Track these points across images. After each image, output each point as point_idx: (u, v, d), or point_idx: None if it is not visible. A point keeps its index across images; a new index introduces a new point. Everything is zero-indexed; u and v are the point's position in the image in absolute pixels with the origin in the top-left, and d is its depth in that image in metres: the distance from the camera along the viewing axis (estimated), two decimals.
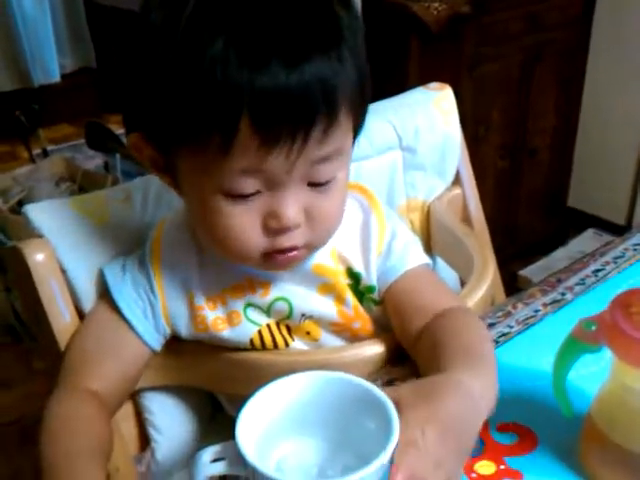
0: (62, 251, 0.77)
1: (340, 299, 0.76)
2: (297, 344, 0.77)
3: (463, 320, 0.70)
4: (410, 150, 0.97)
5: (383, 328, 0.78)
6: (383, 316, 0.78)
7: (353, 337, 0.78)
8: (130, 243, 0.81)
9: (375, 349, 0.74)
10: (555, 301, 0.81)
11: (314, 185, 0.64)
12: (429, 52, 1.86)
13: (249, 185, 0.62)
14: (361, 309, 0.78)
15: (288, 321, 0.76)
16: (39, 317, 0.78)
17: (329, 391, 0.58)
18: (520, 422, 0.64)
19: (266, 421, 0.57)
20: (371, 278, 0.76)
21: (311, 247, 0.69)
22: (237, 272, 0.74)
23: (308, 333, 0.77)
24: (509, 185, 2.29)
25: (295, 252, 0.67)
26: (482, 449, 0.61)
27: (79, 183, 2.29)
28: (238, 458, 0.50)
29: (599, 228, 2.47)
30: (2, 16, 3.49)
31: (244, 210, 0.64)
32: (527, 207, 2.39)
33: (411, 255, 0.77)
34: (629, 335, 0.52)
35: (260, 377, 0.71)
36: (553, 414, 0.62)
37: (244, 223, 0.64)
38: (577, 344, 0.57)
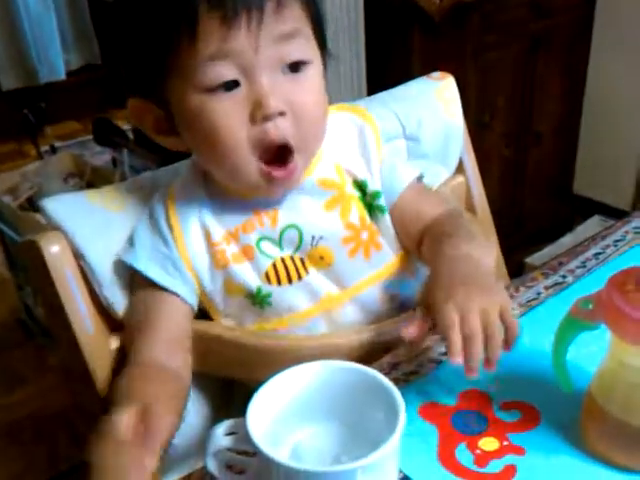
0: (81, 238, 0.79)
1: (345, 211, 0.80)
2: (312, 276, 0.80)
3: (457, 217, 0.82)
4: (414, 139, 0.99)
5: (390, 240, 0.83)
6: (390, 227, 0.83)
7: (367, 256, 0.81)
8: None
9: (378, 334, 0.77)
10: (557, 284, 0.83)
11: (290, 70, 0.71)
12: (432, 41, 1.88)
13: (225, 71, 0.68)
14: (368, 220, 0.82)
15: (301, 250, 0.79)
16: (55, 309, 0.80)
17: (340, 380, 0.60)
18: (523, 400, 0.66)
19: (279, 406, 0.59)
20: (375, 183, 0.82)
21: (304, 152, 0.74)
22: (245, 208, 0.79)
23: (322, 258, 0.80)
24: (515, 172, 2.30)
25: (290, 162, 0.72)
26: (486, 426, 0.63)
27: (87, 179, 2.32)
28: (247, 435, 0.53)
29: (605, 214, 2.47)
30: (7, 15, 3.51)
31: (229, 104, 0.69)
32: (533, 194, 2.40)
33: (408, 170, 0.86)
34: (624, 312, 0.53)
35: (268, 362, 0.73)
36: (555, 392, 0.64)
37: (231, 115, 0.69)
38: (575, 322, 0.59)
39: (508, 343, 0.61)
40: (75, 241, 0.78)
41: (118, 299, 0.81)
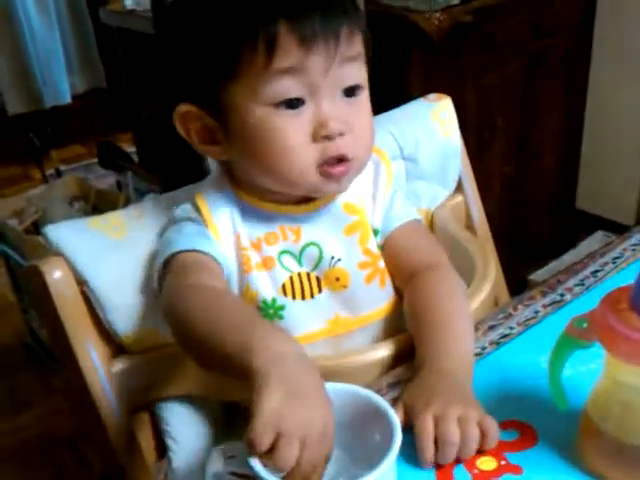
0: (82, 264, 0.81)
1: (364, 238, 0.84)
2: (324, 295, 0.82)
3: (442, 285, 0.81)
4: (412, 160, 1.00)
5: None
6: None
7: (382, 283, 0.84)
8: (146, 257, 0.84)
9: (380, 353, 0.77)
10: (554, 302, 0.83)
11: (346, 94, 0.75)
12: (431, 62, 1.89)
13: (293, 88, 0.72)
14: (380, 251, 0.85)
15: (319, 269, 0.82)
16: (58, 334, 0.81)
17: (337, 401, 0.60)
18: (520, 419, 0.67)
19: None
20: (376, 222, 0.85)
21: (356, 163, 0.78)
22: (271, 220, 0.81)
23: (338, 279, 0.82)
24: (516, 190, 2.31)
25: (347, 162, 0.76)
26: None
27: (92, 202, 2.33)
28: (246, 458, 0.53)
29: (608, 230, 2.48)
30: (12, 40, 3.55)
31: (293, 121, 0.73)
32: (535, 211, 2.41)
33: (408, 209, 0.89)
34: (617, 330, 0.54)
35: None
36: (552, 411, 0.64)
37: (295, 132, 0.73)
38: (570, 341, 0.59)
39: (490, 445, 0.62)
40: (77, 267, 0.79)
41: (121, 324, 0.82)
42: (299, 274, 0.82)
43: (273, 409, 0.53)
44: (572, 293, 0.84)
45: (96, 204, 2.31)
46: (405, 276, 0.83)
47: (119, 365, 0.83)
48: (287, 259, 0.81)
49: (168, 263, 0.78)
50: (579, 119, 2.41)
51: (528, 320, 0.81)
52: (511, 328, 0.79)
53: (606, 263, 0.90)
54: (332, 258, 0.82)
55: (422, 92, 1.06)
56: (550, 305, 0.83)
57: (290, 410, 0.54)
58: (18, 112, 3.62)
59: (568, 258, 2.40)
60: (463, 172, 1.06)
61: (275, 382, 0.55)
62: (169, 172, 2.33)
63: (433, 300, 0.78)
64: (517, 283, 2.04)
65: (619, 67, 2.32)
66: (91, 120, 3.72)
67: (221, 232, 0.80)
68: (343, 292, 0.83)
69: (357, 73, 0.76)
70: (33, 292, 0.83)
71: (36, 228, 2.13)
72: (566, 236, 2.54)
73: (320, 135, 0.74)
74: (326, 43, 0.71)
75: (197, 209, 0.81)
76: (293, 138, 0.74)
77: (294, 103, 0.73)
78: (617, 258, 0.90)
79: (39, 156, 2.84)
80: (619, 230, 2.50)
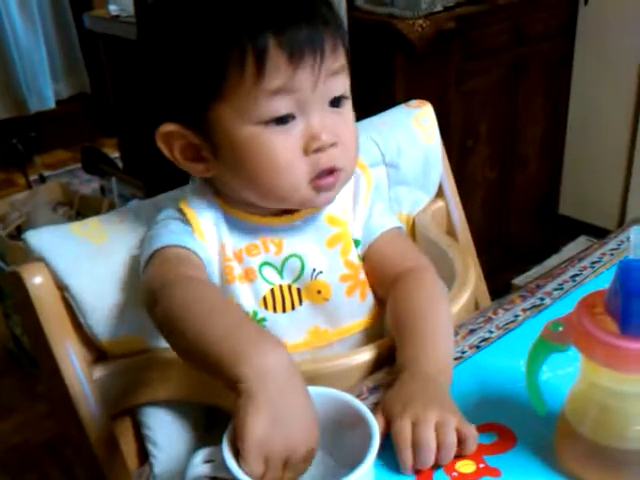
0: (63, 269, 0.80)
1: (346, 250, 0.83)
2: (304, 307, 0.82)
3: (422, 289, 0.80)
4: (393, 166, 1.01)
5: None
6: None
7: (362, 296, 0.84)
8: (127, 263, 0.84)
9: (361, 358, 0.77)
10: (534, 306, 0.84)
11: (332, 104, 0.75)
12: (415, 69, 1.90)
13: (283, 106, 0.71)
14: (360, 264, 0.85)
15: (300, 281, 0.81)
16: (39, 339, 0.81)
17: (318, 405, 0.60)
18: (499, 422, 0.67)
19: None
20: (356, 232, 0.85)
21: (344, 173, 0.78)
22: (253, 232, 0.81)
23: (319, 292, 0.82)
24: (500, 195, 2.32)
25: (337, 172, 0.76)
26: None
27: (76, 207, 2.33)
28: (224, 462, 0.54)
29: (591, 235, 2.50)
30: None
31: (284, 136, 0.73)
32: (519, 216, 2.42)
33: (388, 218, 0.88)
34: (593, 334, 0.55)
35: None
36: (530, 414, 0.65)
37: (286, 147, 0.73)
38: (546, 344, 0.60)
39: (469, 451, 0.63)
40: (58, 272, 0.79)
41: (101, 329, 0.82)
42: (280, 286, 0.81)
43: (260, 437, 0.55)
44: (551, 297, 0.85)
45: (80, 209, 2.30)
46: (388, 283, 0.83)
47: (100, 370, 0.83)
48: (268, 271, 0.81)
49: (152, 257, 0.77)
50: (562, 125, 2.44)
51: (508, 324, 0.81)
52: (491, 332, 0.80)
53: (585, 267, 0.91)
54: (314, 270, 0.81)
55: (406, 98, 1.07)
56: (530, 309, 0.83)
57: (276, 436, 0.55)
58: (2, 118, 3.60)
59: (551, 263, 2.41)
60: (444, 177, 1.07)
61: (261, 405, 0.56)
62: (153, 178, 2.34)
63: (413, 304, 0.78)
64: (500, 287, 2.05)
65: (601, 74, 2.34)
66: (75, 125, 3.71)
67: (207, 238, 0.79)
68: (324, 305, 0.82)
69: (342, 84, 0.76)
70: (15, 298, 0.82)
71: (20, 233, 2.12)
72: (549, 241, 2.56)
73: (312, 148, 0.73)
74: (313, 58, 0.71)
75: (183, 214, 0.80)
76: (284, 154, 0.73)
77: (284, 119, 0.72)
78: (596, 262, 0.91)
79: (23, 162, 2.83)
80: (602, 235, 2.49)
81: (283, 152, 0.73)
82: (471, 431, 0.62)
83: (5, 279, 0.84)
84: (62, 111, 3.78)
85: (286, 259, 0.81)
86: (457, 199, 1.09)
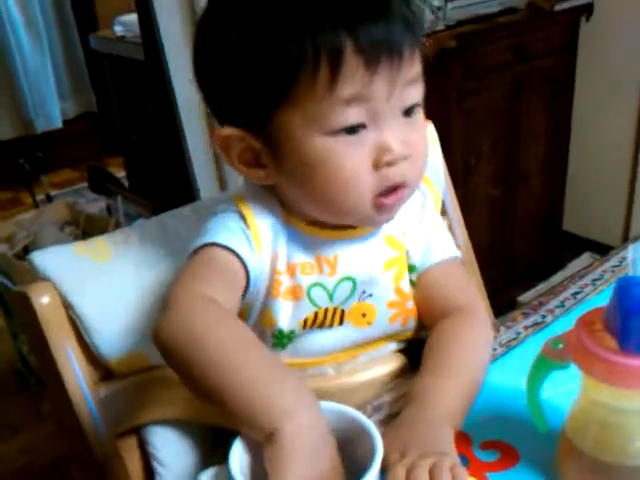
0: (68, 288, 0.81)
1: (400, 275, 0.80)
2: (344, 328, 0.79)
3: (468, 332, 0.76)
4: None
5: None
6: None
7: (404, 323, 0.81)
8: (132, 280, 0.85)
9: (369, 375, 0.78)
10: (536, 323, 0.84)
11: (406, 114, 0.70)
12: None
13: (355, 115, 0.67)
14: (412, 290, 0.81)
15: (347, 302, 0.78)
16: (46, 359, 0.82)
17: (329, 421, 0.61)
18: (502, 440, 0.67)
19: (260, 450, 0.60)
20: (415, 258, 0.81)
21: (410, 188, 0.74)
22: (310, 248, 0.77)
23: (364, 315, 0.79)
24: (504, 212, 2.33)
25: (402, 189, 0.72)
26: (466, 466, 0.64)
27: (83, 227, 2.34)
28: None
29: (596, 251, 2.50)
30: (3, 65, 3.58)
31: (353, 148, 0.68)
32: (523, 233, 2.43)
33: (448, 245, 0.84)
34: (592, 351, 0.55)
35: None
36: (533, 431, 0.65)
37: (356, 161, 0.68)
38: (546, 362, 0.60)
39: None
40: (63, 292, 0.80)
41: (107, 347, 0.83)
42: (326, 310, 0.78)
43: None
44: (553, 314, 0.86)
45: (86, 229, 2.32)
46: (436, 315, 0.79)
47: (106, 389, 0.84)
48: (318, 292, 0.77)
49: (198, 251, 0.73)
50: (564, 142, 2.45)
51: (510, 341, 0.82)
52: (494, 349, 0.81)
53: (586, 285, 0.91)
54: (364, 292, 0.78)
55: None
56: (532, 326, 0.84)
57: None
58: (9, 137, 3.63)
59: (557, 279, 2.41)
60: (447, 195, 1.07)
61: (300, 461, 0.55)
62: (159, 196, 2.35)
63: (453, 343, 0.74)
64: (505, 304, 2.05)
65: (603, 91, 2.36)
66: (82, 145, 3.75)
67: (263, 246, 0.75)
68: (365, 328, 0.80)
69: (417, 93, 0.71)
70: (22, 317, 0.83)
71: (27, 253, 2.13)
72: (554, 258, 2.56)
73: (383, 162, 0.69)
74: (390, 65, 0.66)
75: (241, 216, 0.76)
76: (352, 167, 0.68)
77: (354, 129, 0.67)
78: (597, 280, 0.92)
79: (29, 181, 2.85)
80: (607, 251, 2.51)
81: (351, 165, 0.68)
82: (462, 475, 0.57)
83: (12, 299, 0.85)
84: (69, 130, 3.82)
85: (339, 282, 0.77)
86: (460, 217, 1.10)
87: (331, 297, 0.78)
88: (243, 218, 0.75)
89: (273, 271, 0.76)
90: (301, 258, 0.77)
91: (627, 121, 2.34)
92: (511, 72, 2.14)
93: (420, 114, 0.73)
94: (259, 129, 0.70)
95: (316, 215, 0.75)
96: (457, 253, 0.84)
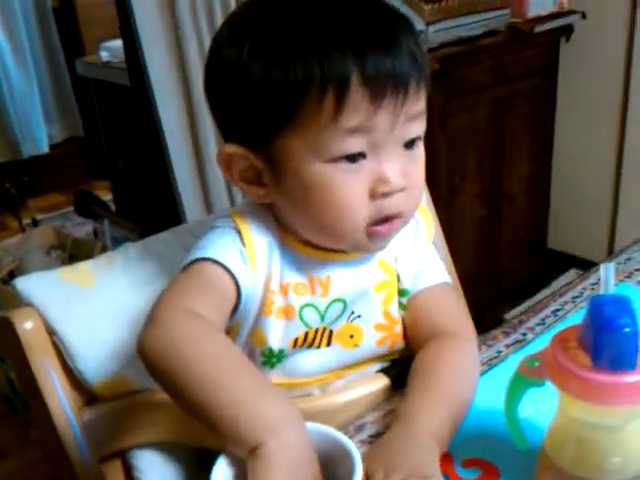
0: (51, 314, 0.82)
1: (389, 299, 0.81)
2: (332, 349, 0.80)
3: (456, 355, 0.76)
4: None
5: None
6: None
7: (391, 347, 0.82)
8: (115, 304, 0.85)
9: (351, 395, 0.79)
10: (517, 341, 0.85)
11: (406, 146, 0.71)
12: None
13: (356, 145, 0.68)
14: (401, 314, 0.82)
15: (335, 323, 0.79)
16: (29, 384, 0.82)
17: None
18: (483, 457, 0.68)
19: (243, 471, 0.61)
20: (407, 283, 0.82)
21: (404, 220, 0.75)
22: (303, 268, 0.78)
23: (352, 337, 0.80)
24: (489, 231, 2.35)
25: (395, 221, 0.73)
26: None
27: (69, 251, 2.34)
28: None
29: (581, 267, 2.52)
30: None
31: (352, 177, 0.69)
32: (508, 252, 2.45)
33: (439, 270, 0.85)
34: (567, 368, 0.56)
35: None
36: (513, 449, 0.65)
37: (353, 189, 0.69)
38: (523, 379, 0.61)
39: None
40: (46, 317, 0.81)
41: (91, 373, 0.83)
42: (316, 330, 0.79)
43: None
44: (534, 332, 0.87)
45: (73, 253, 2.32)
46: (423, 338, 0.79)
47: (90, 413, 0.84)
48: (309, 313, 0.78)
49: (191, 264, 0.73)
50: (547, 161, 2.48)
51: (491, 360, 0.83)
52: None
53: (566, 302, 0.93)
54: (352, 313, 0.79)
55: None
56: (512, 344, 0.85)
57: None
58: None
59: (541, 297, 2.42)
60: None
61: (283, 476, 0.56)
62: (146, 220, 2.36)
63: (441, 363, 0.74)
64: (491, 321, 2.06)
65: (584, 110, 2.39)
66: (69, 168, 3.75)
67: (257, 264, 0.76)
68: (352, 350, 0.81)
69: (419, 128, 0.72)
70: (5, 343, 0.84)
71: (12, 278, 2.13)
72: (540, 275, 2.58)
73: (380, 192, 0.70)
74: (395, 99, 0.67)
75: (238, 232, 0.76)
76: (349, 195, 0.70)
77: (354, 157, 0.69)
78: (577, 297, 0.93)
79: (16, 205, 2.85)
80: (591, 268, 2.54)
81: (348, 192, 0.70)
82: None
83: None
84: (55, 154, 3.83)
85: (331, 303, 0.78)
86: (442, 237, 1.11)
87: (322, 317, 0.79)
88: (239, 234, 0.76)
89: (266, 290, 0.77)
90: (294, 278, 0.77)
91: (609, 139, 2.37)
92: (493, 93, 2.16)
93: (420, 147, 0.74)
94: (262, 149, 0.71)
95: (311, 237, 0.76)
96: (448, 279, 0.86)
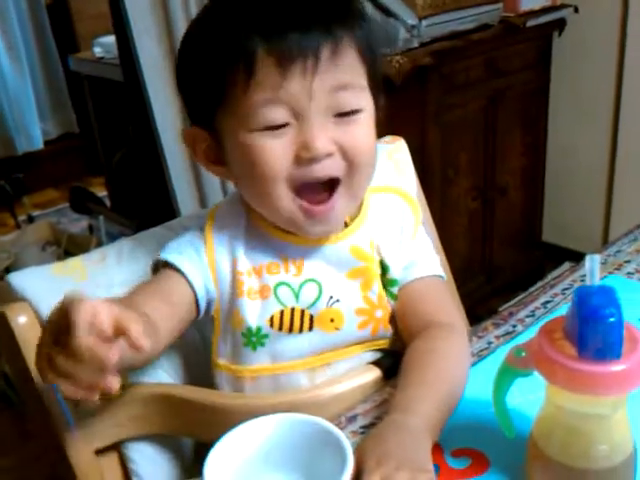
0: (45, 308, 0.82)
1: (367, 285, 0.82)
2: (314, 334, 0.81)
3: (447, 346, 0.77)
4: None
5: (396, 324, 0.84)
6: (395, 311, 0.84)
7: (374, 332, 0.83)
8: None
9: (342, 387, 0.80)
10: (507, 333, 0.86)
11: (340, 116, 0.73)
12: (393, 104, 1.94)
13: (277, 115, 0.72)
14: (385, 299, 0.83)
15: (314, 307, 0.81)
16: (25, 379, 0.83)
17: (295, 432, 0.63)
18: (473, 447, 0.69)
19: (236, 462, 0.62)
20: (396, 272, 0.83)
21: (347, 192, 0.76)
22: (277, 249, 0.81)
23: (332, 320, 0.81)
24: (483, 224, 2.36)
25: (332, 197, 0.75)
26: (437, 474, 0.66)
27: (64, 247, 2.35)
28: None
29: (575, 260, 2.53)
30: None
31: (274, 143, 0.73)
32: (503, 245, 2.46)
33: (431, 264, 0.86)
34: (553, 359, 0.57)
35: (234, 422, 0.76)
36: (503, 438, 0.66)
37: (274, 153, 0.73)
38: (510, 370, 0.62)
39: None
40: (40, 312, 0.81)
41: None
42: (292, 309, 0.81)
43: None
44: (523, 324, 0.88)
45: (68, 248, 2.32)
46: (414, 329, 0.80)
47: (85, 407, 0.84)
48: (284, 291, 0.81)
49: (156, 265, 0.82)
50: (541, 154, 2.48)
51: (481, 351, 0.84)
52: None
53: (556, 294, 0.93)
54: (330, 298, 0.81)
55: (385, 133, 1.10)
56: (503, 336, 0.86)
57: None
58: None
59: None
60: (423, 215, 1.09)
61: None
62: (141, 215, 2.36)
63: (432, 355, 0.75)
64: (486, 315, 2.07)
65: (577, 103, 2.40)
66: (64, 165, 3.75)
67: (217, 252, 0.81)
68: (334, 333, 0.82)
69: (353, 100, 0.74)
70: (0, 338, 0.84)
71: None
72: (535, 268, 2.59)
73: (304, 159, 0.72)
74: (304, 68, 0.70)
75: (201, 228, 0.83)
76: (271, 158, 0.73)
77: (277, 127, 0.72)
78: (567, 289, 0.94)
79: (11, 202, 2.85)
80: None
81: (269, 156, 0.73)
82: None
83: None
84: (50, 151, 3.82)
85: (304, 283, 0.81)
86: (434, 232, 1.11)
87: (297, 296, 0.81)
88: (204, 231, 0.82)
89: (235, 272, 0.80)
90: (267, 259, 0.81)
91: (602, 132, 2.38)
92: (486, 87, 2.17)
93: (363, 120, 0.76)
94: (211, 127, 0.78)
95: (260, 211, 0.79)
96: (441, 273, 0.87)
